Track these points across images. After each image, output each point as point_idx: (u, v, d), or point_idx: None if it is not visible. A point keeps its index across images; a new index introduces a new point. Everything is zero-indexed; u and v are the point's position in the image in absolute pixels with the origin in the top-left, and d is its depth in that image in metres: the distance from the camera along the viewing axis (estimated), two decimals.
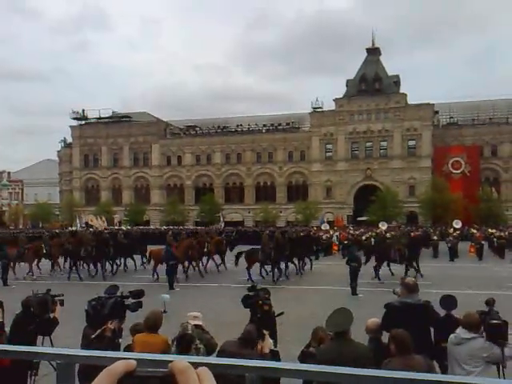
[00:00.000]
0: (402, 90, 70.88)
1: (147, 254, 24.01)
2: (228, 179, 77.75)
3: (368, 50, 73.28)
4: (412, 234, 35.03)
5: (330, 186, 71.47)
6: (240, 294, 6.88)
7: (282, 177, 74.61)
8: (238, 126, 78.20)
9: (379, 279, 19.98)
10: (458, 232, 37.49)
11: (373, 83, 70.89)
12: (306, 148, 73.33)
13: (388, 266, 21.44)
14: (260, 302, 6.04)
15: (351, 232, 41.69)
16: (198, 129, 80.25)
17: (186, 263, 21.65)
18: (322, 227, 44.15)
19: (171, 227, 53.36)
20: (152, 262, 21.99)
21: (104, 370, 0.85)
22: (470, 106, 69.59)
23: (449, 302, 6.69)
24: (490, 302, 6.49)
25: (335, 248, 36.04)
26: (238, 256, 22.44)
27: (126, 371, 0.85)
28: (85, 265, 23.02)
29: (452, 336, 5.50)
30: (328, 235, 39.07)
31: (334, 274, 20.75)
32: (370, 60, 72.44)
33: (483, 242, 33.73)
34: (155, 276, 20.91)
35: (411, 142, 68.82)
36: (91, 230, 44.23)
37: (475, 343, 5.33)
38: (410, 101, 68.89)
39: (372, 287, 18.60)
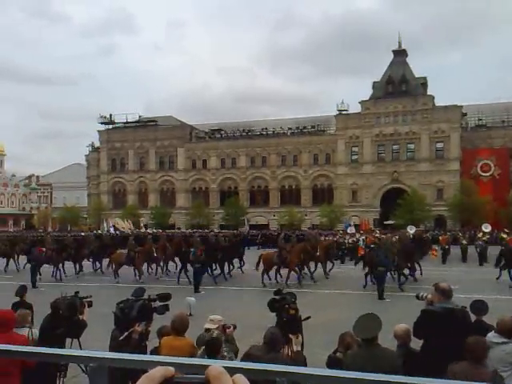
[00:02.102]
0: (429, 92, 69.96)
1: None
2: (253, 182, 77.90)
3: (394, 52, 72.60)
4: (441, 237, 34.56)
5: (356, 189, 70.93)
6: (267, 297, 6.86)
7: (307, 180, 74.39)
8: (262, 129, 78.29)
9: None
10: (487, 236, 36.73)
11: (399, 85, 70.15)
12: (332, 151, 72.97)
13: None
14: (286, 305, 6.01)
15: (377, 236, 41.23)
16: (222, 132, 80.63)
17: (297, 268, 21.03)
18: (348, 231, 43.78)
19: (200, 230, 53.44)
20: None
21: (143, 376, 0.85)
22: (500, 108, 68.07)
23: (479, 307, 6.57)
24: None
25: (361, 252, 35.67)
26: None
27: (165, 377, 0.85)
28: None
29: None
30: (354, 239, 38.74)
31: (359, 278, 20.52)
32: (396, 62, 71.72)
33: None
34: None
35: (439, 145, 67.81)
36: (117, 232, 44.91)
37: (506, 348, 5.23)
38: (438, 103, 67.98)
39: (398, 292, 18.36)
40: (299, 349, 5.69)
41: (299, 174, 74.84)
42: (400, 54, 72.07)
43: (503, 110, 68.22)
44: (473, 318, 6.44)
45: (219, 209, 75.75)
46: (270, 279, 20.85)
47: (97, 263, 26.36)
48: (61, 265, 23.13)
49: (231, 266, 24.07)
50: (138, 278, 21.54)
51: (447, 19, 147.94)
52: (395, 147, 69.63)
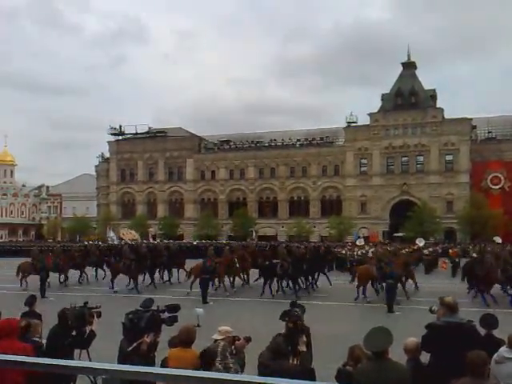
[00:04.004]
0: (438, 104, 70.09)
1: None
2: (261, 193, 77.94)
3: (403, 64, 72.79)
4: (450, 250, 34.38)
5: (365, 201, 70.76)
6: (275, 308, 6.85)
7: (315, 191, 74.34)
8: (271, 140, 78.53)
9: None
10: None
11: (409, 97, 70.22)
12: (340, 163, 72.98)
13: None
14: (286, 319, 6.12)
15: (387, 248, 41.00)
16: (231, 143, 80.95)
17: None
18: (357, 242, 43.58)
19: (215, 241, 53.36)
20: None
21: None
22: (509, 121, 67.91)
23: (489, 321, 6.49)
24: None
25: None
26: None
27: None
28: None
29: (495, 355, 5.34)
30: (363, 251, 38.55)
31: (368, 291, 20.39)
32: (405, 74, 71.87)
33: None
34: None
35: (448, 157, 67.63)
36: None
37: None
38: (448, 115, 67.94)
39: (407, 305, 18.20)
40: (304, 349, 5.71)
41: (308, 185, 74.83)
42: (409, 66, 72.22)
43: None
44: (483, 331, 6.37)
45: (228, 220, 75.79)
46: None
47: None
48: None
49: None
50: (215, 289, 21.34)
51: (457, 31, 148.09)
52: (404, 159, 69.51)
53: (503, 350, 5.35)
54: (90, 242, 46.78)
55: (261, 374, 5.41)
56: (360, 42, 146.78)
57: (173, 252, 26.79)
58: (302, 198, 75.66)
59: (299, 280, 21.08)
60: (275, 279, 21.08)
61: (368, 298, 19.27)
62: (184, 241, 59.75)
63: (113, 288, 21.81)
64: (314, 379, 5.41)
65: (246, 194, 78.21)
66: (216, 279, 21.60)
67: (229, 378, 2.27)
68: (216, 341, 5.75)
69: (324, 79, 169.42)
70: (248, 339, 6.12)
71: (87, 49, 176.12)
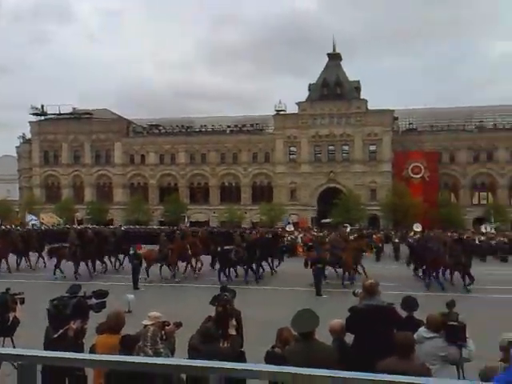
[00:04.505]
0: (362, 96, 72.03)
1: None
2: (193, 179, 77.37)
3: (329, 55, 74.15)
4: (374, 236, 35.82)
5: (295, 187, 72.04)
6: (209, 293, 6.89)
7: (246, 178, 74.79)
8: (202, 126, 77.91)
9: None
10: (418, 235, 38.35)
11: (334, 88, 71.92)
12: (271, 150, 73.74)
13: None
14: (216, 303, 6.19)
15: (315, 234, 42.15)
16: (161, 128, 79.52)
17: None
18: (287, 228, 44.48)
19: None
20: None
21: None
22: (429, 113, 71.55)
23: (410, 303, 6.85)
24: (450, 304, 6.69)
25: (300, 249, 36.38)
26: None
27: None
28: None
29: (415, 335, 5.66)
30: (293, 236, 39.40)
31: (298, 275, 20.89)
32: (331, 65, 73.39)
33: None
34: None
35: (372, 147, 70.10)
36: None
37: (434, 342, 5.50)
38: (371, 106, 70.13)
39: (335, 288, 18.83)
40: (234, 333, 5.80)
41: (239, 171, 75.12)
42: (334, 57, 73.72)
43: (432, 116, 71.66)
44: (404, 313, 6.72)
45: (158, 205, 74.70)
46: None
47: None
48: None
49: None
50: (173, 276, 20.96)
51: (381, 24, 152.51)
52: (331, 148, 71.31)
53: (422, 331, 5.69)
54: (9, 227, 44.54)
55: (191, 357, 5.45)
56: (289, 31, 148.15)
57: (119, 238, 26.20)
58: (234, 185, 75.88)
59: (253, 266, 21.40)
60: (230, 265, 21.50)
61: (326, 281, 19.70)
62: (131, 226, 58.05)
63: (54, 274, 21.04)
64: (244, 362, 5.51)
65: (176, 179, 77.30)
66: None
67: (159, 362, 2.29)
68: (146, 326, 5.72)
69: (254, 67, 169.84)
70: (178, 324, 6.12)
71: (8, 25, 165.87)
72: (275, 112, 74.09)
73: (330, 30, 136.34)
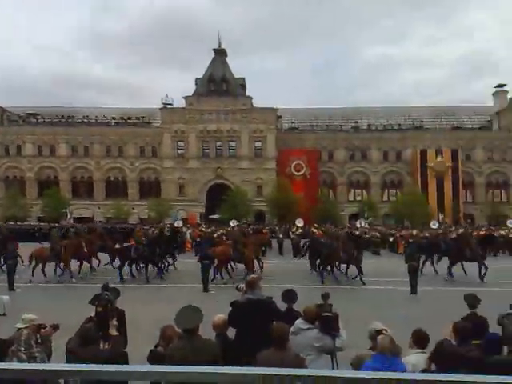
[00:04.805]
0: (248, 93, 73.39)
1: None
2: (75, 173, 73.68)
3: (215, 51, 74.56)
4: (264, 231, 36.83)
5: (183, 183, 71.60)
6: (90, 293, 6.70)
7: (133, 172, 72.90)
8: (84, 116, 74.60)
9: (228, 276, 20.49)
10: (300, 230, 40.06)
11: (220, 84, 72.62)
12: (158, 144, 72.57)
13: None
14: (96, 303, 6.06)
15: (203, 230, 42.33)
16: (39, 117, 74.78)
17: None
18: (176, 224, 44.08)
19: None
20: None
21: None
22: (310, 113, 75.14)
23: (289, 296, 7.20)
24: (325, 296, 7.16)
25: (188, 245, 36.41)
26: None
27: None
28: None
29: (292, 327, 5.97)
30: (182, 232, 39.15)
31: (186, 272, 20.87)
32: (217, 60, 73.95)
33: None
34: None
35: (257, 144, 71.81)
36: None
37: (310, 333, 5.83)
38: (257, 104, 71.77)
39: (223, 284, 19.04)
40: (115, 333, 5.72)
41: (125, 165, 73.01)
42: (220, 53, 74.33)
43: (313, 115, 75.26)
44: (285, 306, 7.06)
45: (37, 200, 70.08)
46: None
47: None
48: None
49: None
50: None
51: (268, 24, 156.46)
52: (218, 144, 71.91)
53: (299, 322, 6.00)
54: None
55: (69, 361, 5.28)
56: (176, 23, 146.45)
57: (5, 235, 24.02)
58: (120, 179, 73.56)
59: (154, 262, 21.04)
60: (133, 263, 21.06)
61: (224, 279, 19.70)
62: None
63: None
64: (126, 363, 5.46)
65: (57, 172, 73.11)
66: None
67: (33, 368, 2.25)
68: (19, 329, 5.45)
69: (140, 58, 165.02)
70: (55, 326, 5.90)
71: None
72: (162, 105, 72.97)
73: (218, 25, 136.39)
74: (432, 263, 23.57)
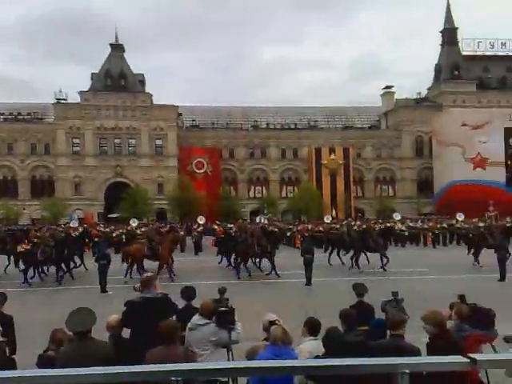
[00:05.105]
0: (147, 90, 72.20)
1: None
2: None
3: (112, 46, 72.37)
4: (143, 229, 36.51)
5: (79, 181, 68.73)
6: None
7: (24, 170, 68.69)
8: None
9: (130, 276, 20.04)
10: (201, 228, 40.14)
11: (118, 80, 70.69)
12: (51, 141, 69.01)
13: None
14: None
15: (101, 229, 41.01)
16: None
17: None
18: (71, 224, 42.18)
19: None
20: None
21: None
22: (210, 111, 75.47)
23: (188, 293, 7.29)
24: (221, 290, 7.35)
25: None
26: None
27: None
28: None
29: (189, 323, 6.04)
30: (77, 232, 37.58)
31: (82, 272, 20.12)
32: (114, 55, 71.76)
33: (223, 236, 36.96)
34: None
35: (158, 142, 70.86)
36: None
37: (206, 328, 5.94)
38: (157, 101, 70.84)
39: (121, 284, 18.63)
40: (1, 339, 5.46)
41: (15, 163, 68.64)
42: (117, 48, 72.22)
43: (213, 113, 75.61)
44: (183, 302, 7.12)
45: None
46: None
47: None
48: None
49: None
50: None
51: (166, 21, 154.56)
52: (117, 141, 70.01)
53: (196, 318, 6.08)
54: None
55: None
56: (69, 16, 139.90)
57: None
58: (9, 178, 68.98)
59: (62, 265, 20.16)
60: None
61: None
62: None
63: None
64: (14, 369, 5.22)
65: None
66: None
67: None
68: None
69: (31, 51, 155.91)
70: None
71: None
72: (55, 100, 69.42)
73: (115, 20, 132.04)
74: (338, 255, 24.90)
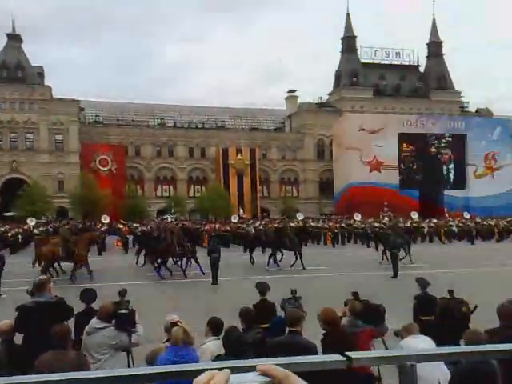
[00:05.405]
0: (47, 83, 68.71)
1: None
2: None
3: (8, 36, 68.21)
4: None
5: None
6: None
7: None
8: None
9: None
10: (106, 227, 39.03)
11: (15, 71, 66.88)
12: None
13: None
14: None
15: None
16: None
17: None
18: None
19: None
20: None
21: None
22: (115, 107, 73.39)
23: (88, 295, 7.10)
24: (121, 292, 7.18)
25: None
26: None
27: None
28: None
29: (86, 327, 5.86)
30: None
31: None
32: (10, 46, 67.64)
33: (128, 236, 36.33)
34: None
35: (58, 137, 67.71)
36: None
37: (105, 332, 5.80)
38: (58, 94, 67.60)
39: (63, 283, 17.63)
40: None
41: None
42: (14, 38, 68.26)
43: (119, 109, 73.64)
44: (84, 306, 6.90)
45: None
46: None
47: None
48: None
49: None
50: None
51: (72, 14, 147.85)
52: (13, 135, 66.04)
53: (94, 322, 5.91)
54: None
55: None
56: None
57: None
58: None
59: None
60: None
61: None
62: None
63: None
64: None
65: None
66: None
67: None
68: None
69: None
70: None
71: None
72: None
73: (12, 9, 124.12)
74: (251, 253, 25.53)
